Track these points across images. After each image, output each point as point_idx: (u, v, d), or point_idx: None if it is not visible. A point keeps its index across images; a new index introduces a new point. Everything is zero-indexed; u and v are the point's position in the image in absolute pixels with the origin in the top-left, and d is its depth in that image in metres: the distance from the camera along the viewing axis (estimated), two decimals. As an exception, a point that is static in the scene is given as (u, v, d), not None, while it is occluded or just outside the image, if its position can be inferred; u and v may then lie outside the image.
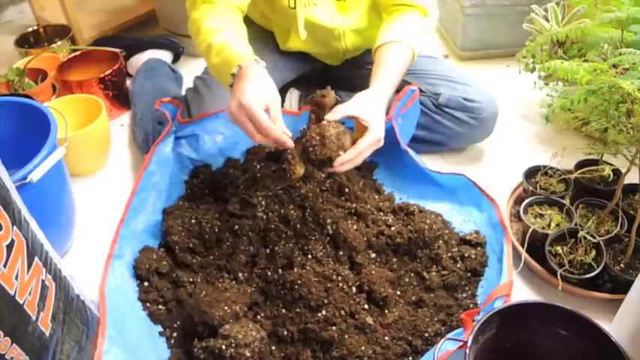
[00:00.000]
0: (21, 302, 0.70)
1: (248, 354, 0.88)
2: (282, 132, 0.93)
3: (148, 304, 1.04)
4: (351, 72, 1.42)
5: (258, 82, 0.95)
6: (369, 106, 1.01)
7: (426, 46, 1.70)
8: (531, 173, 1.23)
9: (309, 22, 1.24)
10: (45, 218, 0.85)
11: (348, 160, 0.96)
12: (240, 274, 1.04)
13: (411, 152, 1.24)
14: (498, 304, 0.87)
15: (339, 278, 1.00)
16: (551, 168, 1.21)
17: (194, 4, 1.13)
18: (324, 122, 0.97)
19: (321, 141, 0.96)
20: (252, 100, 0.92)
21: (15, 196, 0.76)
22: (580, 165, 1.19)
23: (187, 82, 1.67)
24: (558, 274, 1.01)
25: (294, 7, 1.21)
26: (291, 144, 0.95)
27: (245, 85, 0.94)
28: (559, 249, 1.04)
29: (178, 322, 1.01)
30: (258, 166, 1.24)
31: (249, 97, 0.92)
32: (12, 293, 0.68)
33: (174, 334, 1.00)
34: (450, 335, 0.84)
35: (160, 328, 1.01)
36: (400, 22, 1.18)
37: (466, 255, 1.08)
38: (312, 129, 0.97)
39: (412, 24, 1.18)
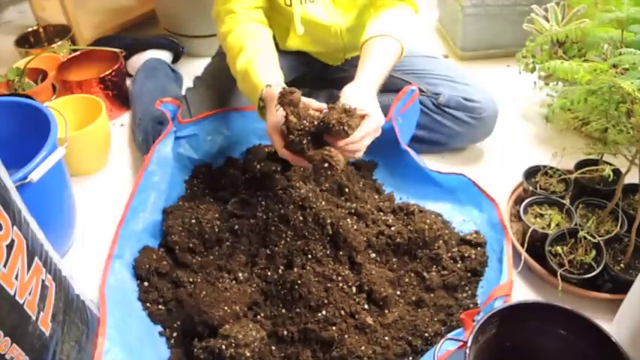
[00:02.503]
0: (21, 302, 0.70)
1: (248, 354, 0.88)
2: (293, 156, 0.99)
3: (148, 304, 1.04)
4: (351, 72, 1.41)
5: (272, 107, 1.01)
6: (361, 96, 1.00)
7: (425, 46, 1.70)
8: (531, 173, 1.23)
9: (306, 20, 1.23)
10: (45, 218, 0.85)
11: (351, 141, 0.95)
12: (240, 274, 1.04)
13: (411, 152, 1.24)
14: (498, 304, 0.87)
15: (339, 278, 1.00)
16: (551, 168, 1.21)
17: (218, 16, 1.20)
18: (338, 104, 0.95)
19: (347, 113, 0.91)
20: (270, 130, 1.01)
21: (15, 196, 0.76)
22: (580, 165, 1.19)
23: (187, 82, 1.67)
24: (558, 274, 1.01)
25: (290, 5, 1.21)
26: (307, 164, 0.97)
27: (267, 115, 1.03)
28: (559, 249, 1.04)
29: (178, 322, 1.01)
30: (258, 166, 1.24)
31: (268, 128, 1.01)
32: (12, 293, 0.68)
33: (174, 334, 1.00)
34: (450, 335, 0.84)
35: (160, 328, 1.02)
36: (386, 15, 1.17)
37: (466, 255, 1.08)
38: (334, 110, 0.92)
39: (399, 18, 1.17)
